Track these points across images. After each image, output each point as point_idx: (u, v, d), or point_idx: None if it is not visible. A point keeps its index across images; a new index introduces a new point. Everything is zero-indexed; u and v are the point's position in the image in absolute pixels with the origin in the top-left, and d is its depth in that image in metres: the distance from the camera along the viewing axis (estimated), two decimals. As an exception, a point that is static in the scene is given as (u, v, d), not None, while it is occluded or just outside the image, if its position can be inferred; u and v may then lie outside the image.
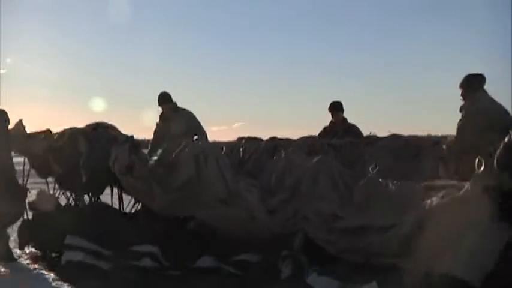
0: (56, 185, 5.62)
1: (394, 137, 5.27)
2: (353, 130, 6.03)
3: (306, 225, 3.90)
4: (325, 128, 6.22)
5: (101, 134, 5.22)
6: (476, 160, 3.06)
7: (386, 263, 3.37)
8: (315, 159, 4.44)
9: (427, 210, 3.11)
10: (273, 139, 5.48)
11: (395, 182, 3.88)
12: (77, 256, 4.40)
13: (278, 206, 4.33)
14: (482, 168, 3.00)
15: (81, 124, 5.47)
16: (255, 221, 4.17)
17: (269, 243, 4.13)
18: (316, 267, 3.86)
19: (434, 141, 5.19)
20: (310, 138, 5.49)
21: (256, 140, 5.62)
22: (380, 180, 3.91)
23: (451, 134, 5.40)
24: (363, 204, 3.74)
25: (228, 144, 5.73)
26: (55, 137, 5.44)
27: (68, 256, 4.47)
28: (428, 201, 3.19)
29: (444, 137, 5.35)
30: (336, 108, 6.23)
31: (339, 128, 6.09)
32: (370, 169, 4.05)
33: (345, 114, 6.25)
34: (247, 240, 4.20)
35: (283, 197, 4.39)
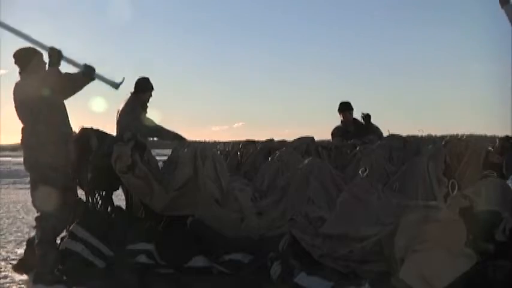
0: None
1: (393, 137, 5.30)
2: (365, 126, 6.10)
3: (292, 227, 3.98)
4: (338, 127, 6.31)
5: (110, 135, 5.37)
6: (450, 182, 3.12)
7: (368, 270, 3.44)
8: (306, 161, 4.53)
9: (402, 224, 3.16)
10: (269, 141, 5.59)
11: (383, 188, 3.93)
12: (76, 247, 4.45)
13: (267, 207, 4.44)
14: (456, 191, 3.05)
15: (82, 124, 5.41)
16: (244, 222, 4.30)
17: (259, 244, 4.23)
18: (305, 267, 3.95)
19: (433, 141, 5.21)
20: (305, 139, 5.56)
21: (253, 144, 5.69)
22: (368, 184, 3.96)
23: (451, 134, 5.41)
24: (346, 209, 3.80)
25: (228, 143, 5.85)
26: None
27: (67, 244, 4.52)
28: (406, 217, 3.24)
29: (443, 137, 5.35)
30: (344, 108, 6.31)
31: (350, 128, 6.19)
32: (360, 172, 4.12)
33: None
34: (239, 241, 4.31)
35: (273, 198, 4.50)
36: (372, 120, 6.30)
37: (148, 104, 5.88)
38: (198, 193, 4.55)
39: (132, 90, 5.85)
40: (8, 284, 4.38)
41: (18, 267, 4.60)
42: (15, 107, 4.40)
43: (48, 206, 4.28)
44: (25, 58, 4.40)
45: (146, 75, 5.87)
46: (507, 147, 4.82)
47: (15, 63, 4.45)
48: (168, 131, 5.90)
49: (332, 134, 6.30)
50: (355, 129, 6.15)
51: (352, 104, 6.43)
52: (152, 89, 5.86)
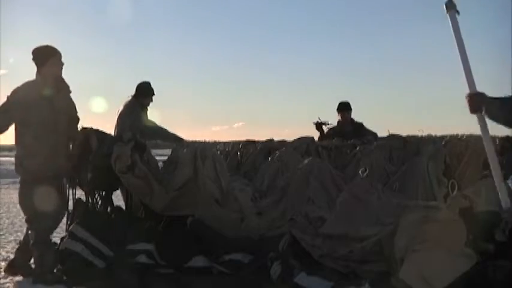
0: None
1: (393, 137, 5.30)
2: (360, 129, 6.12)
3: (292, 227, 3.98)
4: (333, 128, 6.32)
5: (110, 135, 5.36)
6: (450, 182, 3.11)
7: (368, 270, 3.45)
8: (306, 161, 4.53)
9: (402, 224, 3.17)
10: (269, 141, 5.60)
11: (383, 188, 3.94)
12: (76, 247, 4.44)
13: (267, 207, 4.44)
14: (456, 191, 3.05)
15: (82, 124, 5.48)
16: (244, 222, 4.30)
17: (259, 244, 4.23)
18: (305, 267, 3.94)
19: (433, 141, 5.21)
20: (305, 139, 5.56)
21: (253, 144, 5.70)
22: (368, 184, 3.96)
23: (451, 134, 5.39)
24: (346, 209, 3.80)
25: (228, 143, 5.86)
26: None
27: (67, 244, 4.50)
28: (406, 217, 3.24)
29: (443, 137, 5.34)
30: (344, 108, 6.33)
31: (348, 128, 6.19)
32: (360, 172, 4.13)
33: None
34: (239, 241, 4.31)
35: (273, 198, 4.50)
36: (372, 121, 6.35)
37: (148, 108, 5.94)
38: (198, 193, 4.55)
39: (133, 93, 5.90)
40: (7, 284, 4.37)
41: (9, 268, 4.58)
42: (12, 102, 4.30)
43: (43, 207, 4.28)
44: (42, 57, 4.38)
45: (146, 74, 5.98)
46: (507, 147, 4.80)
47: (33, 59, 4.42)
48: (168, 133, 5.95)
49: (326, 135, 6.27)
50: (353, 130, 6.17)
51: (352, 104, 6.46)
52: (153, 94, 5.91)
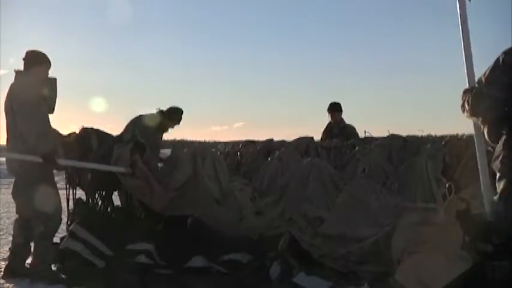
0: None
1: (393, 137, 5.29)
2: (348, 131, 6.11)
3: (291, 227, 3.98)
4: (324, 131, 6.34)
5: (110, 135, 5.40)
6: (447, 185, 3.10)
7: (366, 271, 3.45)
8: (305, 161, 4.54)
9: (400, 226, 3.17)
10: (268, 141, 5.60)
11: (381, 188, 3.93)
12: (76, 246, 4.45)
13: (266, 207, 4.45)
14: (453, 194, 3.05)
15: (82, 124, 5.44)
16: (243, 221, 4.31)
17: (258, 244, 4.24)
18: (304, 268, 3.95)
19: (432, 141, 5.21)
20: (305, 139, 5.56)
21: (253, 144, 5.71)
22: (367, 184, 3.96)
23: (451, 134, 5.39)
24: (345, 209, 3.80)
25: (228, 143, 5.88)
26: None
27: (67, 243, 4.51)
28: (403, 219, 3.24)
29: (443, 137, 5.35)
30: (334, 108, 6.34)
31: (335, 129, 6.20)
32: (358, 173, 4.14)
33: (346, 115, 6.37)
34: (238, 241, 4.31)
35: (272, 198, 4.50)
36: (373, 121, 6.35)
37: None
38: (198, 193, 4.57)
39: (163, 108, 5.84)
40: (7, 285, 4.37)
41: (6, 273, 4.59)
42: (9, 106, 4.33)
43: (51, 205, 4.33)
44: (36, 59, 4.46)
45: (145, 75, 5.94)
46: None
47: (24, 59, 4.48)
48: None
49: (321, 140, 6.29)
50: (338, 131, 6.17)
51: (352, 104, 6.48)
52: (178, 123, 5.86)
